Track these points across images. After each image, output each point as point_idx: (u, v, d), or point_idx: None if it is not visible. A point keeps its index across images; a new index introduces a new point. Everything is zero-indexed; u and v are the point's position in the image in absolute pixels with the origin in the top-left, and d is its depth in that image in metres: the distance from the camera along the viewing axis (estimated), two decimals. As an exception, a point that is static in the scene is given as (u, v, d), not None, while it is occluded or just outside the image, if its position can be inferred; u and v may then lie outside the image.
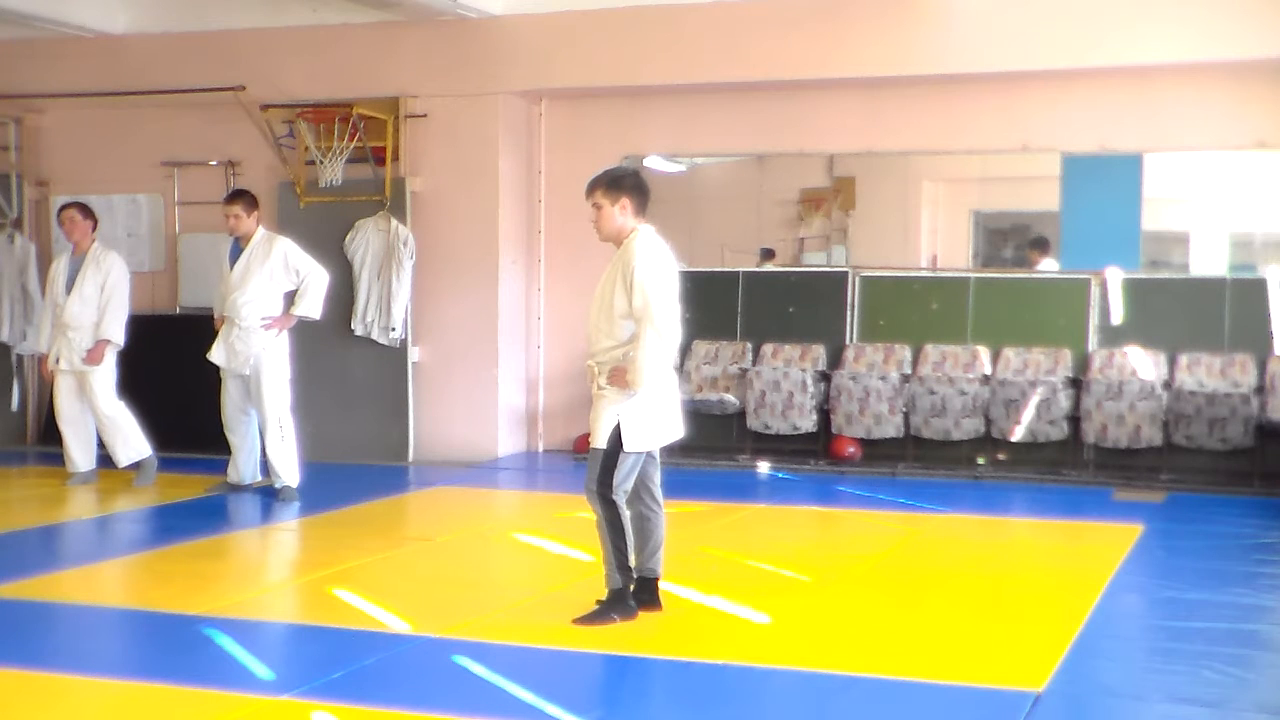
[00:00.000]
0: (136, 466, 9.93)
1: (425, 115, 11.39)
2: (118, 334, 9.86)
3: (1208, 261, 10.87)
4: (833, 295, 11.14)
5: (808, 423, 10.74)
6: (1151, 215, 10.65)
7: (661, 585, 6.38)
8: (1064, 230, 10.85)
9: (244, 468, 9.66)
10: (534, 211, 11.76)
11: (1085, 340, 10.54)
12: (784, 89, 10.97)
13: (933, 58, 10.34)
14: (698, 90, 11.17)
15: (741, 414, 10.91)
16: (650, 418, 6.14)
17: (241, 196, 9.52)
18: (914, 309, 11.01)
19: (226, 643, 5.90)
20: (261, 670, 5.55)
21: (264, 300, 9.42)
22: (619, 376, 6.06)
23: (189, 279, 12.02)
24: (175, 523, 8.83)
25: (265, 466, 9.61)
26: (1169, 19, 9.77)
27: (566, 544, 7.91)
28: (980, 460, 10.48)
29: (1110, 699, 5.30)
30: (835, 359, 11.00)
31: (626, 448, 6.08)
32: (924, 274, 11.30)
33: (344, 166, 11.34)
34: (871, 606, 6.70)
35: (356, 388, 11.40)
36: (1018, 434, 10.30)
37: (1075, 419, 10.21)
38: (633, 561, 6.21)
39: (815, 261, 11.66)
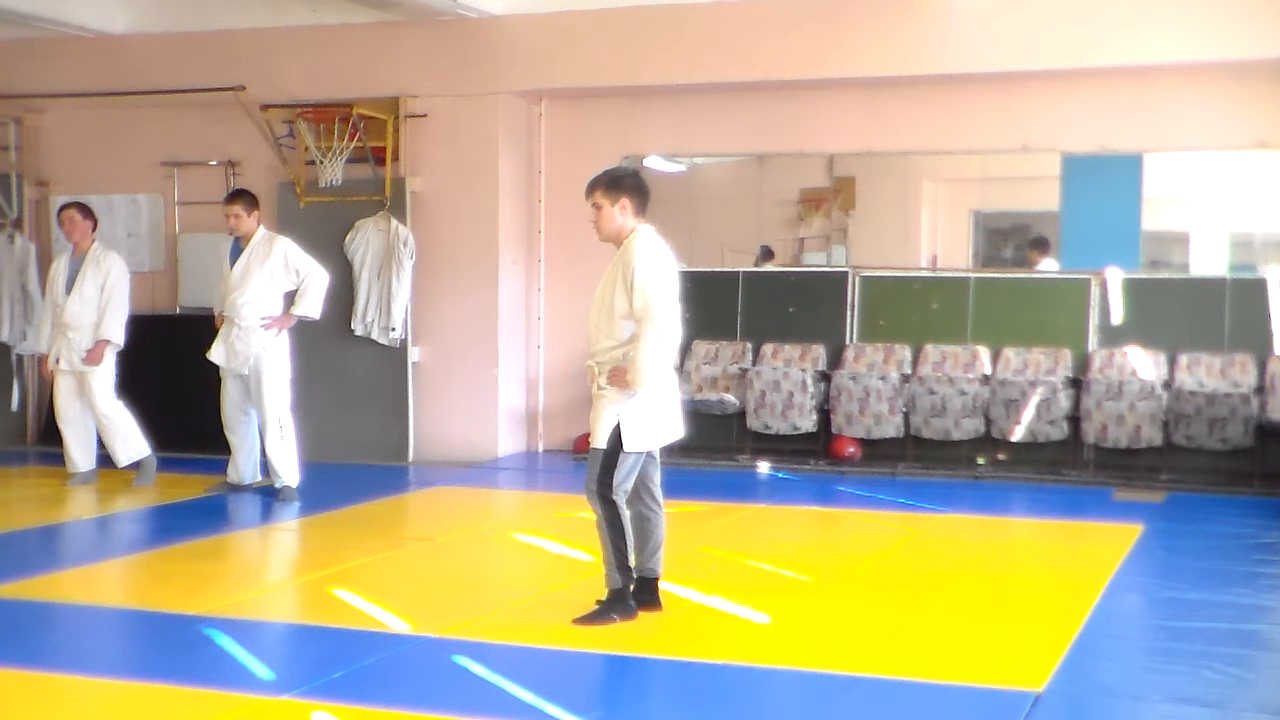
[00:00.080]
0: (136, 466, 9.93)
1: (425, 115, 11.39)
2: (117, 334, 9.86)
3: (1208, 261, 10.87)
4: (833, 295, 11.14)
5: (808, 423, 10.74)
6: (1151, 215, 10.65)
7: (661, 585, 6.38)
8: (1064, 230, 10.85)
9: (244, 468, 9.66)
10: (534, 211, 11.76)
11: (1085, 340, 10.54)
12: (784, 89, 10.97)
13: (933, 58, 10.34)
14: (698, 90, 11.17)
15: (741, 414, 10.91)
16: (650, 418, 6.14)
17: (242, 196, 9.52)
18: (914, 309, 11.01)
19: (226, 643, 5.90)
20: (261, 670, 5.55)
21: (264, 300, 9.42)
22: (619, 376, 6.06)
23: (189, 279, 12.02)
24: (175, 523, 8.83)
25: (265, 466, 9.61)
26: (1169, 19, 9.78)
27: (566, 544, 7.91)
28: (980, 460, 10.48)
29: (1110, 699, 5.30)
30: (835, 359, 11.00)
31: (626, 448, 6.08)
32: (924, 274, 11.30)
33: (344, 166, 11.34)
34: (871, 606, 6.70)
35: (356, 388, 11.40)
36: (1018, 434, 10.30)
37: (1075, 419, 10.21)
38: (633, 561, 6.21)
39: (815, 261, 11.66)
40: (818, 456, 10.79)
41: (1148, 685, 5.40)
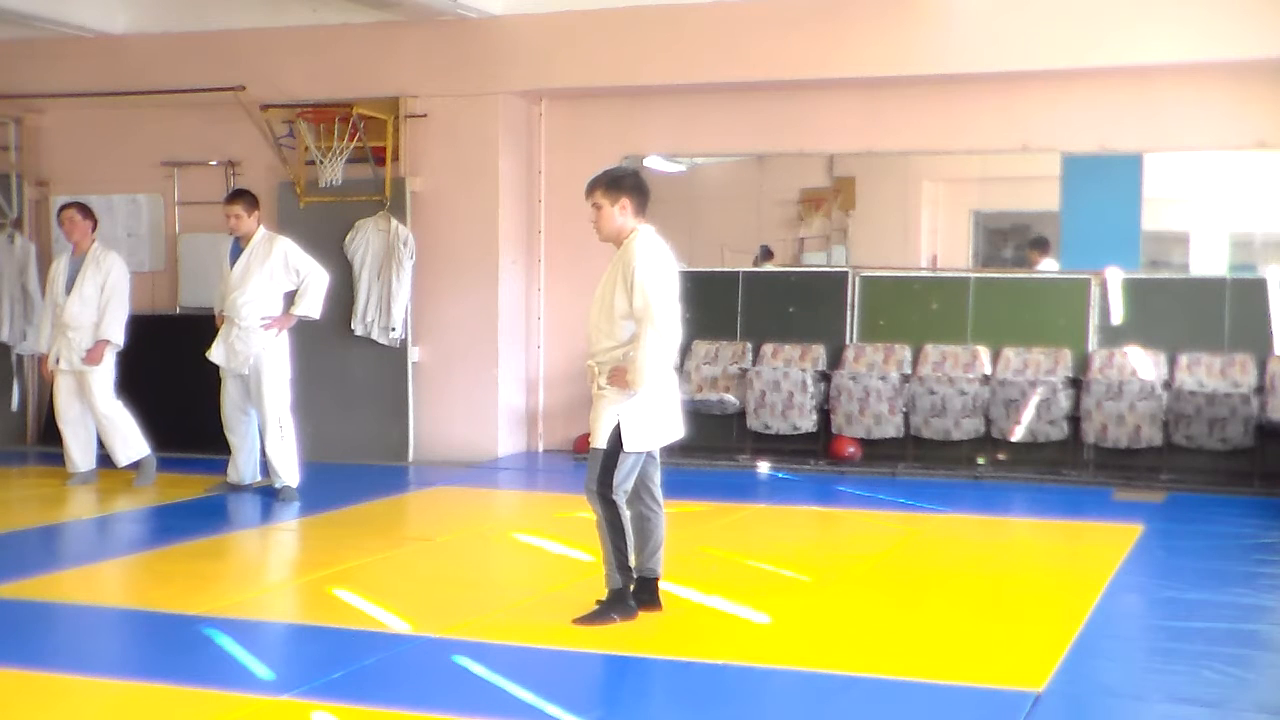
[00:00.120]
0: (136, 466, 9.93)
1: (425, 115, 11.39)
2: (117, 334, 9.87)
3: (1208, 261, 10.87)
4: (833, 295, 11.14)
5: (808, 423, 10.74)
6: (1151, 215, 10.65)
7: (661, 585, 6.38)
8: (1064, 230, 10.85)
9: (244, 468, 9.66)
10: (534, 211, 11.76)
11: (1085, 340, 10.54)
12: (784, 89, 10.97)
13: (933, 58, 10.34)
14: (698, 90, 11.17)
15: (741, 414, 10.91)
16: (650, 418, 6.14)
17: (242, 196, 9.52)
18: (914, 309, 11.01)
19: (226, 643, 5.90)
20: (261, 670, 5.55)
21: (264, 300, 9.42)
22: (619, 376, 6.06)
23: (189, 279, 12.02)
24: (175, 523, 8.83)
25: (265, 466, 9.61)
26: (1169, 19, 9.78)
27: (566, 544, 7.91)
28: (980, 460, 10.48)
29: (1110, 699, 5.30)
30: (835, 359, 11.00)
31: (626, 448, 6.08)
32: (924, 274, 11.30)
33: (344, 166, 11.34)
34: (871, 606, 6.70)
35: (356, 388, 11.40)
36: (1018, 434, 10.30)
37: (1075, 419, 10.21)
38: (633, 561, 6.21)
39: (815, 261, 11.66)
40: (818, 456, 10.79)
41: (1148, 685, 5.40)
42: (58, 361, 9.89)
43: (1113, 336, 10.48)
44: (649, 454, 6.26)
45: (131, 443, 9.88)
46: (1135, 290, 10.49)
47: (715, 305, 11.28)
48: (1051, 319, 10.66)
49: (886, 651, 5.85)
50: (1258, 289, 10.25)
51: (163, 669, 5.58)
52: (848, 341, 11.05)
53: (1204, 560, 7.58)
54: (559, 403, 11.68)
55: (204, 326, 9.96)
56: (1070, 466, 10.29)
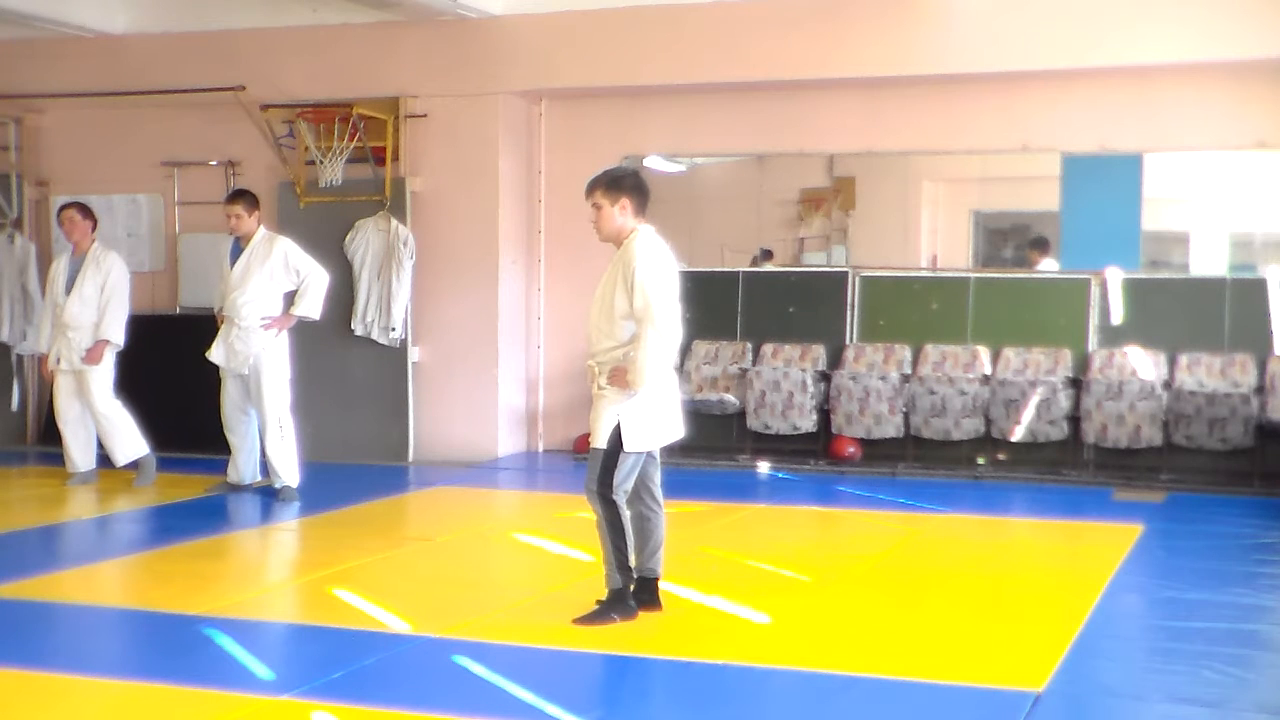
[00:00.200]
0: (135, 466, 9.93)
1: (425, 115, 11.39)
2: (117, 334, 9.87)
3: (1208, 261, 10.87)
4: (833, 295, 11.14)
5: (808, 423, 10.74)
6: (1151, 215, 10.65)
7: (661, 585, 6.38)
8: (1064, 230, 10.85)
9: (244, 468, 9.66)
10: (534, 211, 11.76)
11: (1085, 340, 10.54)
12: (784, 89, 10.97)
13: (933, 58, 10.34)
14: (698, 90, 11.17)
15: (741, 414, 10.90)
16: (650, 418, 6.14)
17: (242, 196, 9.52)
18: (914, 309, 11.01)
19: (226, 643, 5.90)
20: (261, 670, 5.55)
21: (264, 300, 9.42)
22: (619, 377, 6.06)
23: (189, 279, 12.02)
24: (175, 523, 8.83)
25: (265, 466, 9.61)
26: (1169, 19, 9.78)
27: (566, 544, 7.91)
28: (980, 460, 10.48)
29: (1110, 699, 5.30)
30: (835, 359, 11.00)
31: (627, 448, 6.08)
32: (924, 274, 11.30)
33: (344, 166, 11.34)
34: (871, 606, 6.70)
35: (356, 388, 11.40)
36: (1018, 434, 10.30)
37: (1075, 419, 10.21)
38: (633, 561, 6.21)
39: (815, 261, 11.66)
40: (818, 456, 10.79)
41: (1148, 685, 5.40)
42: (58, 361, 9.89)
43: (1113, 336, 10.48)
44: (649, 454, 6.26)
45: (130, 442, 9.88)
46: (1135, 290, 10.49)
47: (715, 305, 11.28)
48: (1051, 319, 10.66)
49: (886, 651, 5.85)
50: (1258, 289, 10.25)
51: (163, 669, 5.58)
52: (848, 341, 11.05)
53: (1204, 560, 7.58)
54: (559, 403, 11.68)
55: (204, 326, 9.96)
56: (1070, 466, 10.29)
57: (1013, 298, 10.87)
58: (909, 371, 10.68)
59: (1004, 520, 9.29)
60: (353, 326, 11.24)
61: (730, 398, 10.91)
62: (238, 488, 9.66)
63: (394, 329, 11.20)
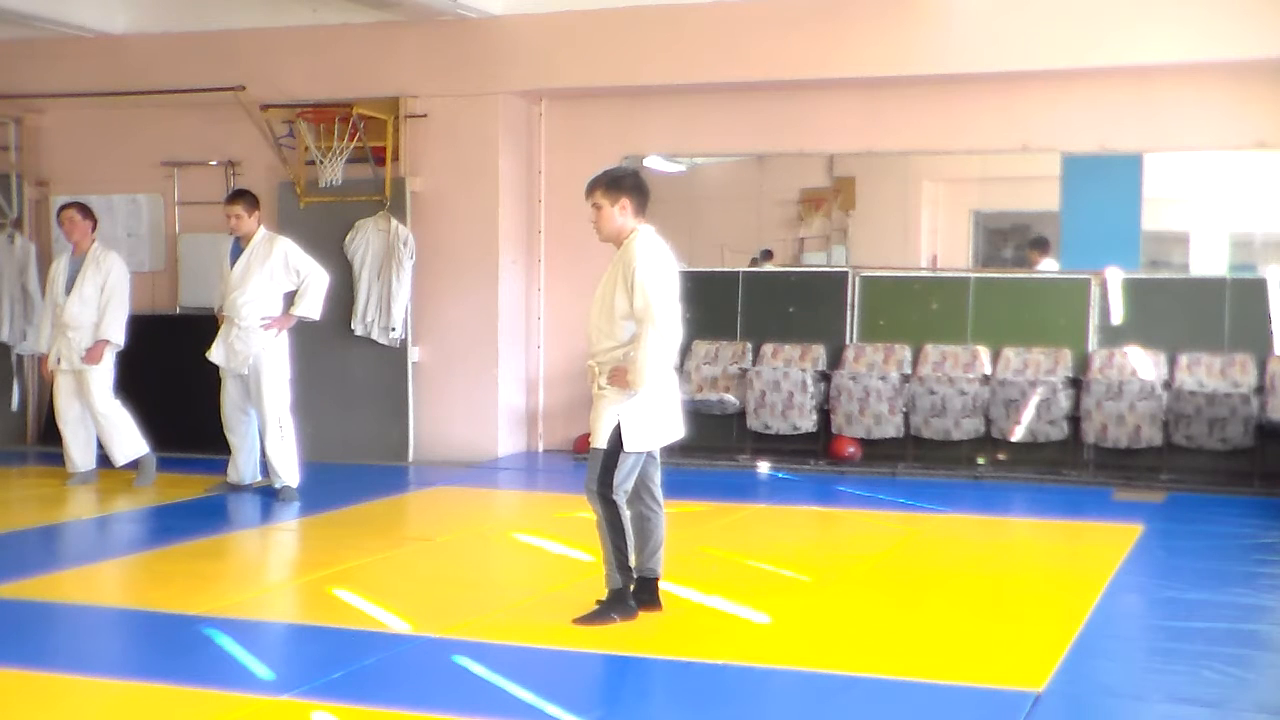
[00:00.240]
0: (134, 465, 9.93)
1: (425, 115, 11.39)
2: (117, 334, 9.87)
3: (1208, 261, 10.87)
4: (833, 295, 11.14)
5: (808, 423, 10.74)
6: (1151, 215, 10.65)
7: (661, 585, 6.38)
8: (1064, 230, 10.85)
9: (244, 468, 9.66)
10: (534, 211, 11.76)
11: (1085, 340, 10.54)
12: (784, 89, 10.97)
13: (933, 58, 10.34)
14: (698, 90, 11.17)
15: (741, 414, 10.90)
16: (650, 418, 6.14)
17: (242, 196, 9.52)
18: (914, 309, 11.01)
19: (226, 643, 5.90)
20: (261, 670, 5.55)
21: (264, 300, 9.42)
22: (619, 377, 6.06)
23: (189, 279, 12.02)
24: (175, 523, 8.83)
25: (265, 466, 9.61)
26: (1169, 19, 9.78)
27: (566, 544, 7.91)
28: (980, 460, 10.48)
29: (1110, 699, 5.30)
30: (835, 359, 11.00)
31: (627, 448, 6.08)
32: (924, 274, 11.30)
33: (344, 166, 11.34)
34: (871, 606, 6.70)
35: (356, 388, 11.40)
36: (1018, 434, 10.30)
37: (1075, 419, 10.21)
38: (633, 561, 6.21)
39: (815, 261, 11.66)
40: (818, 456, 10.79)
41: (1148, 685, 5.40)
42: (58, 361, 9.89)
43: (1113, 336, 10.48)
44: (649, 454, 6.26)
45: (129, 442, 9.88)
46: (1135, 290, 10.49)
47: (715, 305, 11.28)
48: (1051, 319, 10.66)
49: (886, 651, 5.85)
50: (1258, 289, 10.25)
51: (163, 669, 5.58)
52: (848, 341, 11.05)
53: (1204, 560, 7.58)
54: (559, 403, 11.68)
55: (204, 326, 9.96)
56: (1070, 466, 10.29)
57: (1013, 298, 10.87)
58: (909, 371, 10.68)
59: (1004, 520, 9.28)
60: (353, 326, 11.24)
61: (730, 398, 10.91)
62: (238, 488, 9.66)
63: (394, 329, 11.20)
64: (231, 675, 5.46)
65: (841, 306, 11.11)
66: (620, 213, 6.19)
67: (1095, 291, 10.55)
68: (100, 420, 9.86)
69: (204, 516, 8.99)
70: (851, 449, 10.67)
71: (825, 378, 10.81)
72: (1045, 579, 7.31)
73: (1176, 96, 10.25)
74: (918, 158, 11.32)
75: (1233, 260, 10.85)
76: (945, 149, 11.00)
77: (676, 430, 6.36)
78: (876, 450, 10.70)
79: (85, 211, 10.01)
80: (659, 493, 6.36)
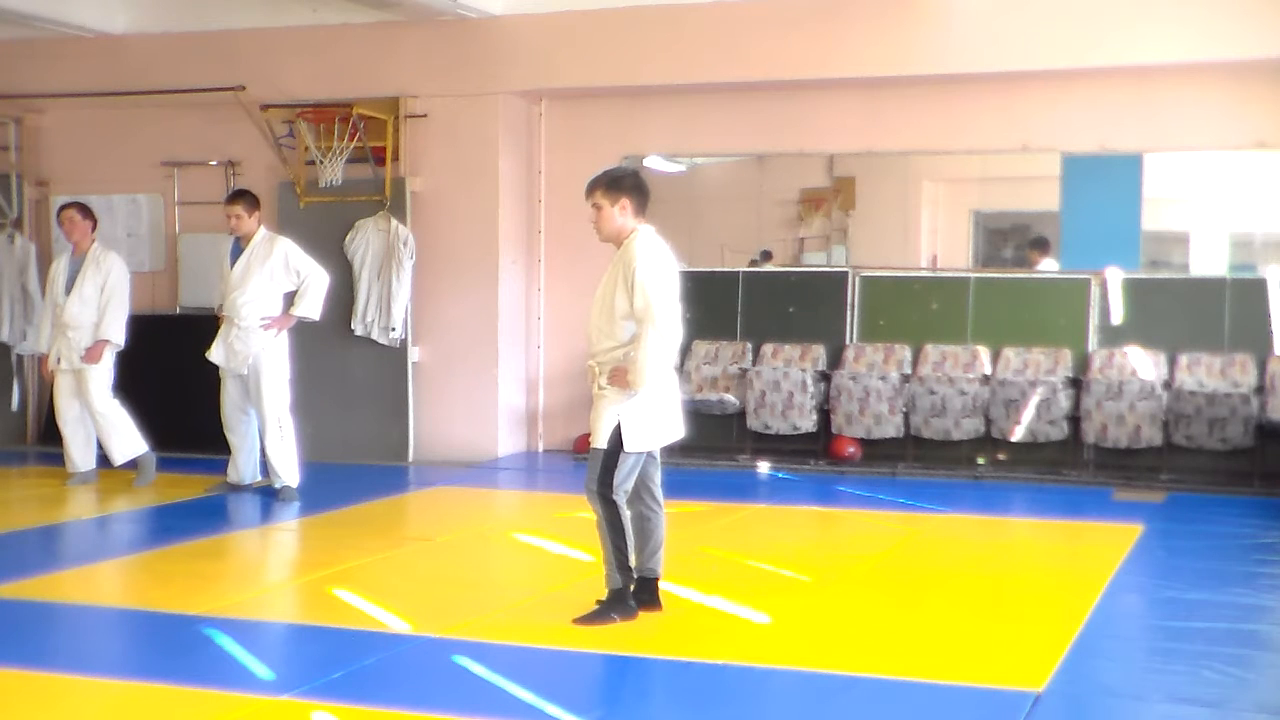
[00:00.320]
0: (133, 465, 9.93)
1: (425, 115, 11.39)
2: (118, 334, 9.87)
3: (1208, 261, 10.87)
4: (833, 295, 11.14)
5: (808, 423, 10.74)
6: (1151, 215, 10.65)
7: (661, 585, 6.39)
8: (1064, 230, 10.85)
9: (244, 468, 9.66)
10: (534, 211, 11.76)
11: (1085, 340, 10.54)
12: (784, 89, 10.97)
13: (933, 58, 10.34)
14: (698, 90, 11.17)
15: (741, 414, 10.90)
16: (651, 418, 6.14)
17: (243, 197, 9.52)
18: (914, 309, 11.01)
19: (226, 643, 5.90)
20: (261, 670, 5.55)
21: (264, 300, 9.42)
22: (620, 377, 6.06)
23: (189, 279, 12.02)
24: (175, 523, 8.83)
25: (265, 466, 9.61)
26: (1169, 19, 9.78)
27: (566, 544, 7.91)
28: (980, 460, 10.48)
29: (1110, 699, 5.30)
30: (835, 359, 11.00)
31: (627, 448, 6.08)
32: (924, 274, 11.30)
33: (344, 166, 11.34)
34: (871, 606, 6.70)
35: (356, 388, 11.40)
36: (1018, 434, 10.30)
37: (1075, 419, 10.21)
38: (633, 561, 6.21)
39: (815, 261, 11.66)
40: (818, 456, 10.79)
41: (1148, 685, 5.40)
42: (58, 361, 9.90)
43: (1113, 336, 10.48)
44: (649, 454, 6.26)
45: (128, 441, 9.88)
46: (1135, 290, 10.49)
47: (715, 305, 11.28)
48: (1051, 319, 10.66)
49: (886, 651, 5.85)
50: (1258, 289, 10.25)
51: (163, 669, 5.58)
52: (848, 341, 11.05)
53: (1204, 560, 7.58)
54: (559, 403, 11.68)
55: (204, 326, 9.96)
56: (1070, 466, 10.29)
57: (1013, 298, 10.87)
58: (909, 371, 10.68)
59: (1004, 520, 9.29)
60: (353, 326, 11.24)
61: (730, 398, 10.91)
62: (238, 488, 9.66)
63: (394, 329, 11.20)
64: (231, 675, 5.46)
65: (841, 306, 11.11)
66: (620, 213, 6.19)
67: (1095, 291, 10.55)
68: (98, 419, 9.85)
69: (204, 516, 8.99)
70: (851, 449, 10.67)
71: (825, 378, 10.81)
72: (1045, 579, 7.31)
73: (1176, 96, 10.25)
74: (918, 158, 11.32)
75: (1233, 260, 10.85)
76: (945, 149, 11.00)
77: (676, 430, 6.36)
78: (876, 450, 10.70)
79: (85, 211, 10.01)
80: (659, 493, 6.36)
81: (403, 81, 11.41)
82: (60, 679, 5.44)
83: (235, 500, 9.50)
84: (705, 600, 6.62)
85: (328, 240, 11.00)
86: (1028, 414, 10.24)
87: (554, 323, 11.73)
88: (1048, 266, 10.93)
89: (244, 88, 11.42)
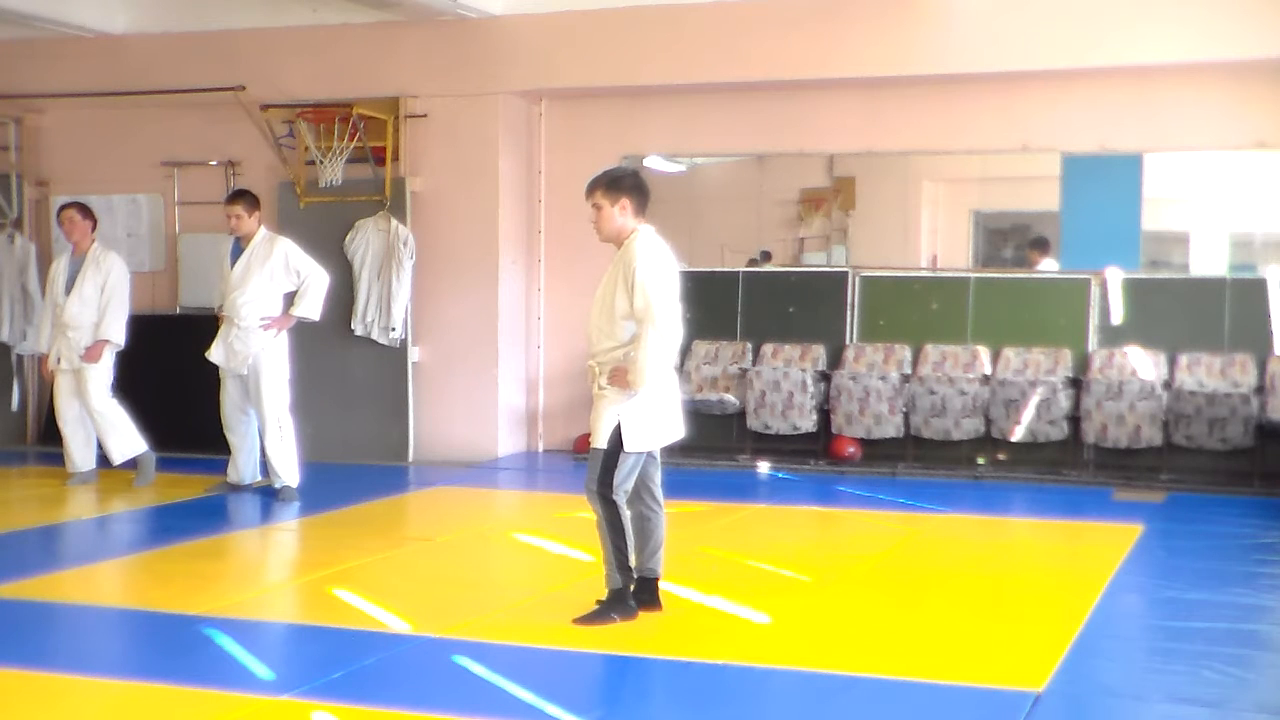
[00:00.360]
0: (132, 465, 9.93)
1: (425, 115, 11.39)
2: (118, 334, 9.87)
3: (1208, 261, 10.87)
4: (833, 295, 11.14)
5: (808, 423, 10.74)
6: (1151, 215, 10.65)
7: (661, 585, 6.38)
8: (1064, 230, 10.85)
9: (244, 468, 9.66)
10: (534, 211, 11.76)
11: (1085, 340, 10.54)
12: (784, 89, 10.97)
13: (933, 58, 10.34)
14: (698, 90, 11.17)
15: (741, 414, 10.90)
16: (651, 418, 6.14)
17: (243, 197, 9.52)
18: (914, 309, 11.01)
19: (226, 643, 5.90)
20: (261, 670, 5.55)
21: (264, 300, 9.42)
22: (620, 377, 6.06)
23: (189, 279, 12.02)
24: (175, 523, 8.83)
25: (265, 466, 9.61)
26: (1169, 19, 9.78)
27: (566, 544, 7.91)
28: (980, 460, 10.48)
29: (1110, 699, 5.30)
30: (835, 359, 11.00)
31: (627, 448, 6.08)
32: (924, 274, 11.30)
33: (344, 166, 11.34)
34: (871, 606, 6.70)
35: (356, 388, 11.40)
36: (1018, 434, 10.30)
37: (1075, 419, 10.21)
38: (633, 561, 6.21)
39: (815, 261, 11.65)
40: (818, 456, 10.79)
41: (1148, 685, 5.40)
42: (58, 361, 9.90)
43: (1113, 336, 10.48)
44: (649, 454, 6.26)
45: (126, 440, 9.88)
46: (1135, 290, 10.49)
47: (715, 305, 11.28)
48: (1051, 319, 10.66)
49: (886, 651, 5.85)
50: (1258, 289, 10.25)
51: (163, 669, 5.58)
52: (848, 341, 11.05)
53: (1204, 560, 7.58)
54: (559, 403, 11.68)
55: (204, 326, 9.96)
56: (1070, 466, 10.29)
57: (1013, 298, 10.87)
58: (909, 371, 10.68)
59: (1004, 520, 9.29)
60: (353, 326, 11.24)
61: (730, 398, 10.91)
62: (238, 488, 9.66)
63: (394, 329, 11.20)
64: (231, 675, 5.46)
65: (841, 306, 11.11)
66: (620, 213, 6.19)
67: (1095, 291, 10.55)
68: (96, 418, 9.85)
69: (204, 516, 8.99)
70: (851, 449, 10.68)
71: (825, 378, 10.81)
72: (1045, 579, 7.31)
73: (1176, 96, 10.25)
74: (918, 158, 11.32)
75: (1233, 260, 10.85)
76: (945, 149, 11.00)
77: (677, 430, 6.36)
78: (876, 450, 10.70)
79: (85, 211, 10.01)
80: (659, 493, 6.36)
81: (403, 81, 11.41)
82: (60, 679, 5.44)
83: (235, 500, 9.50)
84: (705, 600, 6.62)
85: (328, 240, 11.00)
86: (1028, 414, 10.24)
87: (554, 323, 11.73)
88: (1048, 266, 10.93)
89: (244, 88, 11.42)
